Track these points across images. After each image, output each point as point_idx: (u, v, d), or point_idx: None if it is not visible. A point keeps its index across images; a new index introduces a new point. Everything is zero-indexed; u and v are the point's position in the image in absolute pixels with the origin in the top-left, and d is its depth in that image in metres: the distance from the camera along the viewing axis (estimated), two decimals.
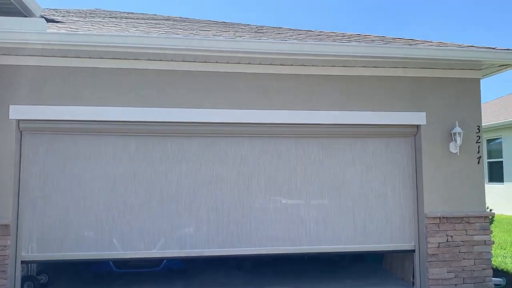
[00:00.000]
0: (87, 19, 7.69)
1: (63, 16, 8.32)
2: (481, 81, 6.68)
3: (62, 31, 5.51)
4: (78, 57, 5.69)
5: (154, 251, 6.02)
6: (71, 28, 6.05)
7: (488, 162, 16.88)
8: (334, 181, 6.43)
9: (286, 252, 6.34)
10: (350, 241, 6.39)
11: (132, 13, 10.31)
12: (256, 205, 6.28)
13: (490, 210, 7.86)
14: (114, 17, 8.54)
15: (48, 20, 6.78)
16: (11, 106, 5.56)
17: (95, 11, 10.32)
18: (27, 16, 6.16)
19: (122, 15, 9.59)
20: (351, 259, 7.93)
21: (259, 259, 7.36)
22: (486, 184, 16.63)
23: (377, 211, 6.47)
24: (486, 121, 16.86)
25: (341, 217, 6.40)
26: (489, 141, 16.94)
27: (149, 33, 6.03)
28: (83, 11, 10.04)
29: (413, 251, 6.48)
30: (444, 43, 6.67)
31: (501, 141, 16.19)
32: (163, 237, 6.04)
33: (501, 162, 16.08)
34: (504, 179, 15.86)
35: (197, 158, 6.18)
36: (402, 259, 6.92)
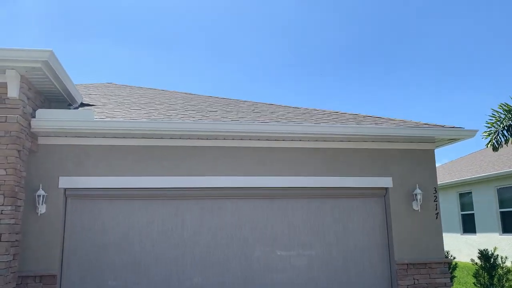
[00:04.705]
0: (111, 100, 9.23)
1: (89, 94, 9.86)
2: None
3: (106, 118, 7.02)
4: (114, 137, 7.15)
5: None
6: (107, 113, 7.56)
7: (461, 214, 18.32)
8: (321, 234, 7.76)
9: None
10: None
11: (142, 88, 11.94)
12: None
13: (453, 257, 9.27)
14: (132, 97, 10.09)
15: (83, 104, 8.29)
16: (60, 177, 6.92)
17: (110, 85, 11.95)
18: (71, 104, 7.66)
19: (135, 91, 11.16)
20: None
21: None
22: (461, 235, 18.07)
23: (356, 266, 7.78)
24: (458, 177, 18.46)
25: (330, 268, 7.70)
26: (461, 195, 18.42)
27: (170, 116, 7.56)
28: (100, 86, 11.64)
29: None
30: (404, 121, 8.33)
31: (471, 195, 17.73)
32: None
33: (473, 214, 17.54)
34: (477, 230, 17.24)
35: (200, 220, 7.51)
36: None
